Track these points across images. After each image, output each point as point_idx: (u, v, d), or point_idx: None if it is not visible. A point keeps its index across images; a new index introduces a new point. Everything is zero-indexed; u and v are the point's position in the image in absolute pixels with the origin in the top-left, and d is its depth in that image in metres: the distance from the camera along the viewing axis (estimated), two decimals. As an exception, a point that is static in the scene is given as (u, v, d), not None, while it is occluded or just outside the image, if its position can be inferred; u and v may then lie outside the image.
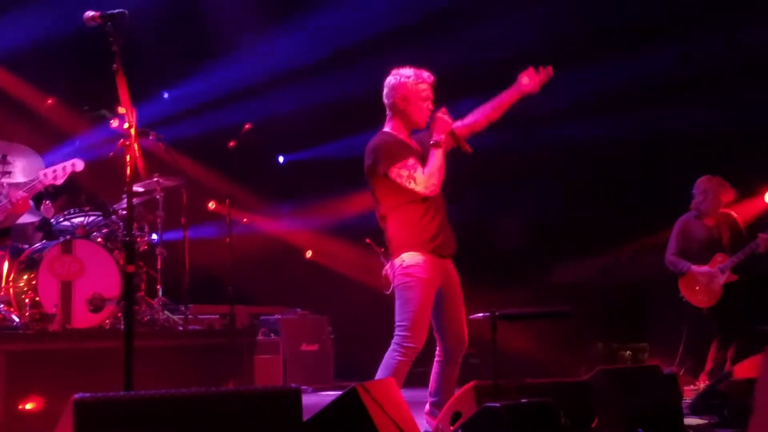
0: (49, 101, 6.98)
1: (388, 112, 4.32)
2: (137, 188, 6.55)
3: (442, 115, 4.22)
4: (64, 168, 4.31)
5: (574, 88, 7.56)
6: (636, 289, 7.69)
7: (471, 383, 4.09)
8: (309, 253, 9.81)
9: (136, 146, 3.45)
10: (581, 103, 8.01)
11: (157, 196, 6.75)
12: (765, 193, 7.11)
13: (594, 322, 7.38)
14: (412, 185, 4.13)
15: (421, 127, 4.30)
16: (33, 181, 4.24)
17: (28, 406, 5.17)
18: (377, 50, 8.61)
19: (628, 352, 7.02)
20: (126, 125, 3.50)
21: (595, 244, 8.23)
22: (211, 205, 8.66)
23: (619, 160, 8.21)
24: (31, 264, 5.82)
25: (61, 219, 6.36)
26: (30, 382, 5.27)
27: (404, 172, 4.12)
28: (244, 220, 8.69)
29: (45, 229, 6.53)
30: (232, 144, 6.76)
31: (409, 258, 4.13)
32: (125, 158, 3.45)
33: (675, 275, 6.55)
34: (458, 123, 4.34)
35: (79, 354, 5.54)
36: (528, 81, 4.37)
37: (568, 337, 7.09)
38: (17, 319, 5.60)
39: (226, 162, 7.96)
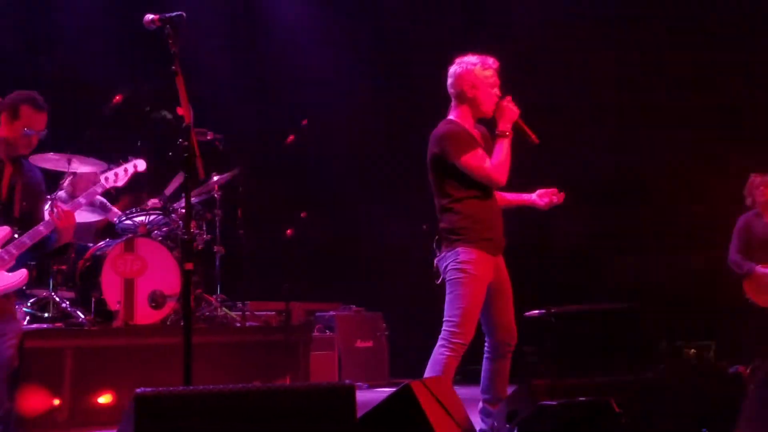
0: (117, 98, 7.12)
1: (453, 101, 4.26)
2: (195, 187, 6.67)
3: (508, 103, 4.16)
4: (125, 170, 4.36)
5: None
6: (702, 285, 7.52)
7: (528, 381, 4.06)
8: (363, 249, 9.82)
9: (194, 146, 3.49)
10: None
11: (215, 195, 6.86)
12: None
13: (658, 319, 7.24)
14: (482, 176, 4.09)
15: (489, 116, 4.22)
16: (94, 185, 4.31)
17: (102, 400, 5.30)
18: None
19: (693, 350, 6.85)
20: (184, 125, 3.55)
21: (658, 239, 8.07)
22: (268, 203, 8.74)
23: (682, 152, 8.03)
24: (96, 262, 5.97)
25: (124, 218, 6.52)
26: (94, 378, 5.41)
27: (474, 162, 4.07)
28: (303, 214, 8.75)
29: (108, 228, 6.70)
30: (290, 139, 6.80)
31: (464, 253, 4.09)
32: (183, 158, 3.50)
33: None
34: None
35: (140, 350, 5.67)
36: (541, 199, 4.37)
37: (630, 335, 6.97)
38: (82, 316, 5.76)
39: (283, 159, 8.04)
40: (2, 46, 7.51)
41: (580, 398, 3.44)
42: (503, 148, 4.12)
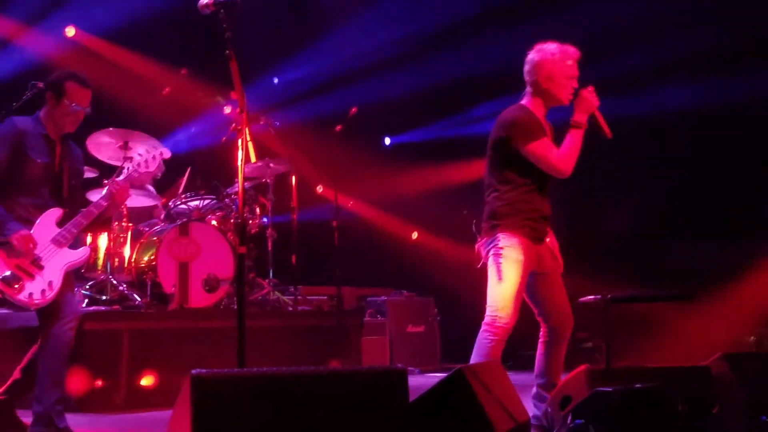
0: (183, 71, 7.23)
1: (528, 87, 4.18)
2: (249, 173, 6.73)
3: (589, 93, 4.06)
4: (154, 157, 4.43)
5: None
6: (761, 272, 7.33)
7: (582, 367, 4.01)
8: (414, 235, 9.83)
9: (247, 131, 3.51)
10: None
11: (268, 180, 6.91)
12: None
13: (715, 306, 7.09)
14: (547, 165, 4.03)
15: (564, 105, 4.13)
16: (128, 170, 4.40)
17: (144, 382, 5.40)
18: (480, 30, 8.54)
19: (752, 337, 6.69)
20: (238, 110, 3.57)
21: (720, 224, 7.89)
22: (319, 188, 8.79)
23: (747, 131, 7.81)
24: (151, 246, 6.07)
25: (178, 202, 6.61)
26: (150, 359, 5.51)
27: (540, 151, 4.01)
28: (350, 203, 8.78)
29: (164, 212, 6.81)
30: (338, 128, 6.82)
31: (505, 238, 4.05)
32: (237, 143, 3.52)
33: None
34: None
35: (195, 333, 5.75)
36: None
37: (687, 322, 6.84)
38: (139, 299, 5.86)
39: (333, 145, 8.05)
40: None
41: (637, 385, 3.38)
42: (574, 139, 4.04)
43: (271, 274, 6.87)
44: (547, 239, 4.21)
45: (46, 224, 4.08)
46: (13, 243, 3.91)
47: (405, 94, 9.31)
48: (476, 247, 4.21)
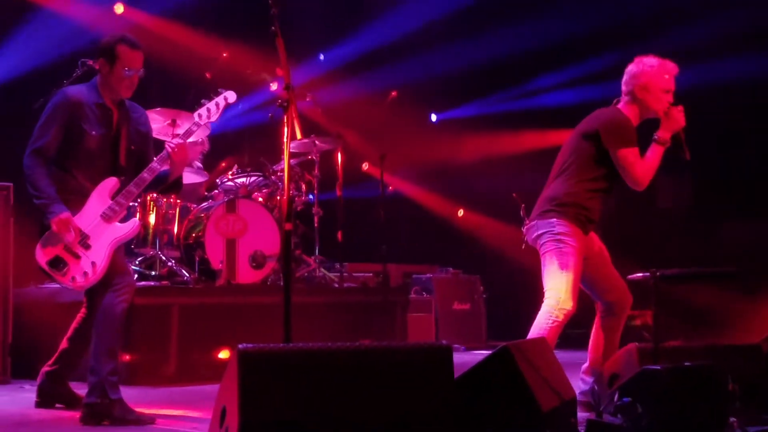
0: (224, 54, 7.23)
1: (624, 96, 4.21)
2: (295, 149, 6.76)
3: (678, 113, 4.11)
4: (217, 104, 4.28)
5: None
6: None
7: (631, 345, 3.96)
8: (461, 212, 9.79)
9: (293, 108, 3.52)
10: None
11: (314, 157, 6.93)
12: None
13: (765, 284, 6.94)
14: (631, 173, 4.07)
15: (657, 117, 4.17)
16: (190, 125, 4.30)
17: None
18: (525, 10, 8.42)
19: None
20: (284, 87, 3.57)
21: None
22: (365, 165, 8.79)
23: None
24: (199, 222, 6.15)
25: (225, 180, 6.67)
26: (199, 334, 5.60)
27: (631, 159, 4.06)
28: (396, 180, 8.78)
29: (211, 189, 6.88)
30: (394, 94, 6.76)
31: (560, 225, 4.06)
32: (283, 120, 3.53)
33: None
34: None
35: (242, 308, 5.82)
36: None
37: (737, 300, 6.71)
38: (187, 275, 5.95)
39: (383, 117, 8.04)
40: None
41: (686, 363, 3.33)
42: (656, 155, 4.11)
43: (317, 251, 6.91)
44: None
45: (99, 197, 4.05)
46: (53, 228, 3.91)
47: (451, 69, 9.24)
48: (525, 228, 4.22)
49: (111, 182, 4.10)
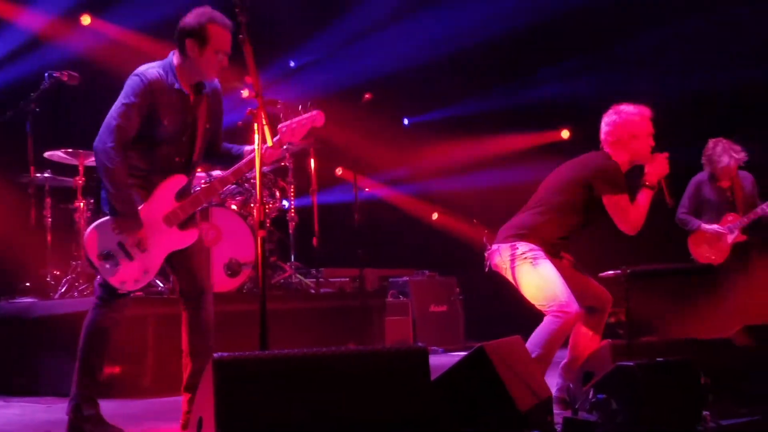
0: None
1: (607, 148, 4.27)
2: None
3: (664, 159, 4.21)
4: (303, 124, 3.81)
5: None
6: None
7: (605, 342, 4.00)
8: (435, 215, 9.83)
9: (263, 115, 3.51)
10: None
11: (287, 164, 6.92)
12: None
13: (739, 278, 7.03)
14: (623, 219, 4.15)
15: (643, 163, 4.26)
16: (276, 138, 3.75)
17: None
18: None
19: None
20: (253, 94, 3.56)
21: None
22: (339, 170, 8.79)
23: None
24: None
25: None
26: (175, 344, 5.54)
27: (623, 206, 4.14)
28: (367, 189, 8.78)
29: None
30: (368, 96, 6.77)
31: (522, 245, 4.14)
32: (253, 127, 3.51)
33: (685, 233, 6.61)
34: None
35: (218, 317, 5.75)
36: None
37: (710, 295, 6.80)
38: (162, 285, 5.91)
39: (352, 127, 8.04)
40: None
41: (659, 358, 3.37)
42: (647, 200, 4.19)
43: (292, 258, 6.89)
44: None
45: (165, 196, 3.76)
46: (116, 229, 3.62)
47: (423, 73, 9.27)
48: (487, 253, 4.30)
49: (179, 181, 3.80)
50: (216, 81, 3.95)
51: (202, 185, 3.95)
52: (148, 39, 7.69)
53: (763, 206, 6.39)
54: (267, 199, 6.58)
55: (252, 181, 6.53)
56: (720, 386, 3.44)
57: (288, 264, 6.84)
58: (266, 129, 3.48)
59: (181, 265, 3.88)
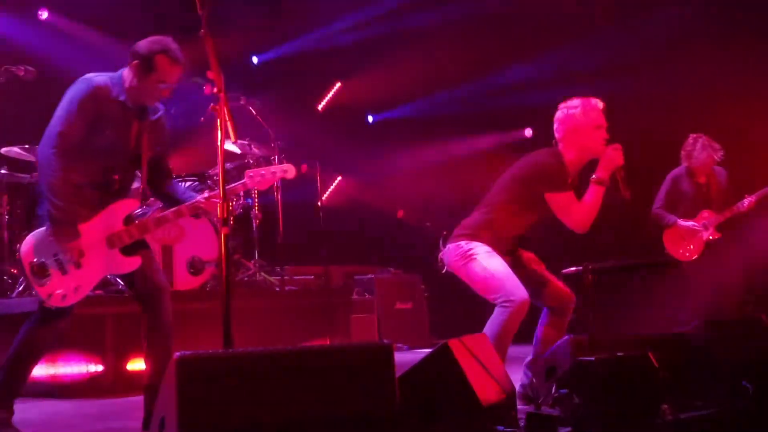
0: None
1: (560, 143, 4.23)
2: (230, 153, 6.69)
3: (614, 151, 4.11)
4: (273, 173, 3.88)
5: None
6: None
7: (566, 337, 4.04)
8: (400, 213, 9.84)
9: (226, 111, 3.48)
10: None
11: (250, 161, 6.88)
12: None
13: (697, 272, 7.15)
14: (566, 217, 4.10)
15: (597, 157, 4.19)
16: (237, 183, 3.89)
17: (143, 365, 5.37)
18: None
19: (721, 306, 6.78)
20: (216, 90, 3.53)
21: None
22: (303, 168, 8.76)
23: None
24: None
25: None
26: (135, 343, 5.48)
27: (564, 204, 4.09)
28: (334, 182, 8.78)
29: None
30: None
31: (467, 243, 4.15)
32: (216, 123, 3.49)
33: (647, 227, 6.70)
34: None
35: (180, 315, 5.70)
36: None
37: (669, 289, 6.91)
38: (122, 283, 5.83)
39: (316, 124, 8.03)
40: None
41: (619, 353, 3.41)
42: (596, 196, 4.11)
43: (256, 255, 6.86)
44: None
45: (111, 217, 3.73)
46: (55, 239, 3.57)
47: (387, 70, 9.28)
48: (440, 255, 4.31)
49: (130, 205, 3.79)
50: (162, 110, 3.96)
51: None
52: (105, 35, 7.61)
53: (738, 204, 6.48)
54: (230, 197, 6.54)
55: (215, 178, 6.48)
56: (678, 380, 3.49)
57: (252, 261, 6.80)
58: (229, 125, 3.46)
59: (129, 276, 3.84)
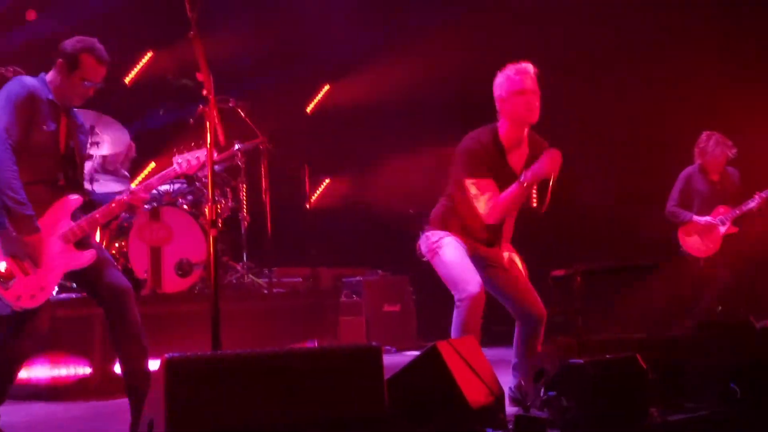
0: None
1: (499, 116, 4.18)
2: (218, 155, 6.67)
3: (550, 157, 3.96)
4: (198, 158, 3.97)
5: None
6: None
7: (555, 340, 4.05)
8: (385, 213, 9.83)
9: (215, 113, 3.48)
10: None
11: (239, 162, 6.86)
12: None
13: (685, 276, 7.19)
14: (474, 206, 4.05)
15: (526, 122, 4.07)
16: (167, 170, 3.99)
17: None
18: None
19: (720, 307, 6.83)
20: (204, 92, 3.53)
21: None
22: (292, 169, 8.74)
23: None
24: (122, 231, 6.01)
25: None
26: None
27: (474, 190, 4.02)
28: (323, 183, 8.76)
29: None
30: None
31: (433, 235, 4.18)
32: (205, 125, 3.48)
33: (675, 226, 6.77)
34: None
35: (169, 317, 5.72)
36: None
37: (657, 292, 6.94)
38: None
39: (305, 125, 8.00)
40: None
41: (608, 355, 3.42)
42: (511, 195, 4.01)
43: (245, 257, 6.84)
44: (506, 254, 4.26)
45: (58, 214, 3.75)
46: (16, 240, 3.56)
47: (376, 72, 9.27)
48: (417, 245, 4.33)
49: (75, 201, 3.81)
50: (81, 119, 4.02)
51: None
52: (94, 36, 7.56)
53: (755, 198, 6.52)
54: (218, 198, 6.52)
55: (204, 180, 6.46)
56: (667, 382, 3.51)
57: (240, 264, 6.78)
58: (217, 127, 3.46)
59: (88, 281, 3.85)
